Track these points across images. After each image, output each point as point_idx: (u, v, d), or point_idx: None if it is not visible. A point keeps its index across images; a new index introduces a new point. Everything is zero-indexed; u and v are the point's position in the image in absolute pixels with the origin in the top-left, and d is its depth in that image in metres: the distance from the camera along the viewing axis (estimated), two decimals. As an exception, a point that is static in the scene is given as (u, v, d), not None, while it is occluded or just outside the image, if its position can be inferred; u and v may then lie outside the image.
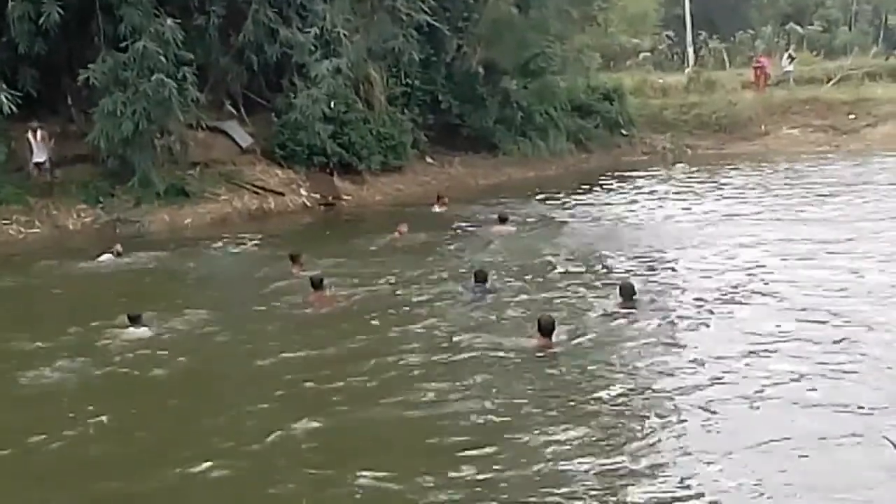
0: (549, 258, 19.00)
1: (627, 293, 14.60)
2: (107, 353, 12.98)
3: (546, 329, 12.39)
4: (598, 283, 16.54)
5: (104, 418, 10.61)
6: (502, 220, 22.89)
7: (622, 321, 13.79)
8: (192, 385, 12.18)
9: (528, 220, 24.20)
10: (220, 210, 25.95)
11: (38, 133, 24.75)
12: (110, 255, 19.90)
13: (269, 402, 11.11)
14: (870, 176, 29.75)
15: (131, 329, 13.73)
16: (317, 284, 15.74)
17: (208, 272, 19.32)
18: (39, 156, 24.74)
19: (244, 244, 21.83)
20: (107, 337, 13.65)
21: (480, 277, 16.03)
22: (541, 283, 16.76)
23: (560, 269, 17.88)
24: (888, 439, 5.14)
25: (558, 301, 15.24)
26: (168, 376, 12.23)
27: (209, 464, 9.28)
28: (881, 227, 20.48)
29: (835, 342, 12.33)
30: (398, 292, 16.35)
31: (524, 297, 15.61)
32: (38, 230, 23.63)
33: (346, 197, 28.65)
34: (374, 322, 14.38)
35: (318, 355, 12.79)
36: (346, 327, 14.19)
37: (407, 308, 15.26)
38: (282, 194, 27.50)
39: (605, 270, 17.79)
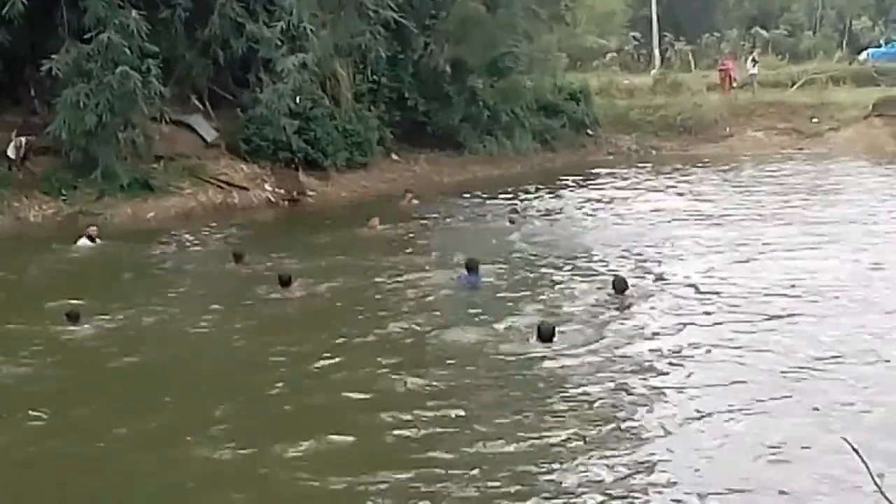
0: (524, 251, 19.34)
1: (620, 287, 14.89)
2: (44, 352, 12.82)
3: (546, 336, 12.32)
4: (583, 277, 16.81)
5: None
6: (511, 220, 23.10)
7: (618, 317, 14.05)
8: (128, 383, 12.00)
9: (489, 215, 24.62)
10: (184, 204, 25.82)
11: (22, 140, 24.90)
12: (86, 240, 20.24)
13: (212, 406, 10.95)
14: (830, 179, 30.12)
15: (70, 327, 13.56)
16: (285, 282, 15.70)
17: (166, 265, 19.29)
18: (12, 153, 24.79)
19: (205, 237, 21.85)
20: (45, 335, 13.46)
21: (472, 266, 16.18)
22: (524, 275, 17.14)
23: (543, 263, 18.21)
24: (847, 441, 5.23)
25: (552, 294, 15.61)
26: (102, 374, 12.19)
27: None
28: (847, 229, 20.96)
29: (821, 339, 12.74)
30: (378, 289, 16.35)
31: (513, 291, 15.84)
32: (-2, 222, 23.42)
33: (310, 193, 28.57)
34: (356, 318, 14.39)
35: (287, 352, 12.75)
36: (309, 325, 14.28)
37: (392, 306, 15.18)
38: (246, 189, 27.41)
39: (587, 265, 18.02)
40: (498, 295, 15.65)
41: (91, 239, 20.40)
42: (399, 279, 16.90)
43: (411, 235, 21.87)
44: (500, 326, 13.51)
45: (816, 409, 10.20)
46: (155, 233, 22.54)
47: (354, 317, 14.63)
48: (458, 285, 16.07)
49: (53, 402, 10.99)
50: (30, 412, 10.58)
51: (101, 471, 9.33)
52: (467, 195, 28.01)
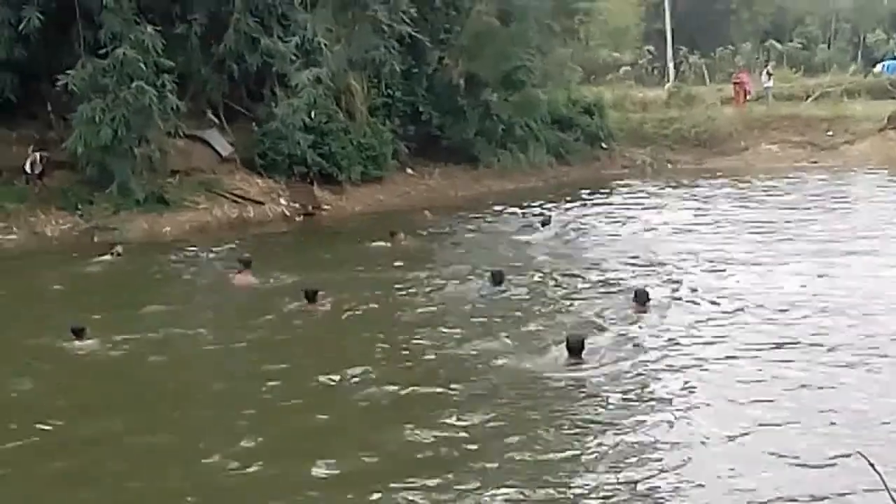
0: (545, 263, 19.46)
1: (642, 299, 14.95)
2: (50, 368, 12.84)
3: (575, 349, 12.15)
4: (606, 289, 16.91)
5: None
6: (544, 224, 23.32)
7: (640, 329, 14.03)
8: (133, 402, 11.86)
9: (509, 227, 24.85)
10: (200, 218, 25.86)
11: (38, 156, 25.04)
12: (109, 256, 20.62)
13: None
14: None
15: (76, 342, 13.49)
16: (310, 297, 15.61)
17: (181, 279, 19.36)
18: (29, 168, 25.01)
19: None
20: (52, 350, 13.46)
21: (497, 279, 16.38)
22: (546, 286, 17.21)
23: (565, 274, 18.27)
24: (863, 455, 5.19)
25: (575, 304, 15.68)
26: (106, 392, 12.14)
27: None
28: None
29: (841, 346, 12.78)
30: (403, 301, 16.35)
31: (537, 302, 15.91)
32: (15, 236, 23.47)
33: (325, 207, 28.61)
34: (378, 334, 14.27)
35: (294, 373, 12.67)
36: (324, 340, 14.25)
37: (418, 319, 15.15)
38: (261, 203, 27.45)
39: (608, 276, 18.08)
40: (523, 306, 15.65)
41: (116, 255, 20.76)
42: (424, 292, 16.94)
43: (434, 248, 22.05)
44: (528, 339, 13.45)
45: (833, 423, 10.15)
46: (170, 247, 22.57)
47: (381, 330, 14.55)
48: (484, 296, 16.14)
49: (61, 416, 10.98)
50: (36, 426, 10.55)
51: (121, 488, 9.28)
52: (486, 208, 28.12)
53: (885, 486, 5.32)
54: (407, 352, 13.32)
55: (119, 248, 21.03)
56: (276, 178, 28.36)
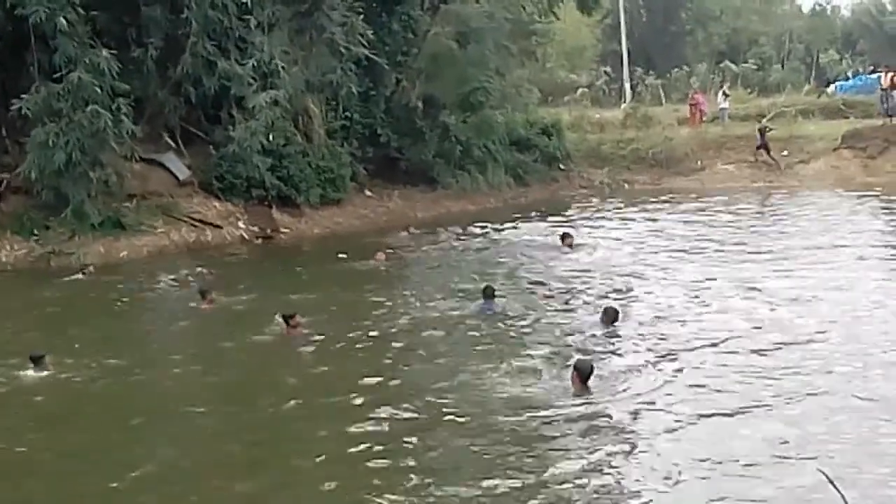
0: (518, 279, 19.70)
1: (611, 317, 15.03)
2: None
3: (584, 374, 11.80)
4: (578, 306, 17.09)
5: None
6: (564, 238, 23.60)
7: (611, 347, 14.06)
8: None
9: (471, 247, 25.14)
10: (157, 242, 25.70)
11: None
12: (81, 276, 21.31)
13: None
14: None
15: (31, 372, 13.28)
16: (287, 320, 15.38)
17: (139, 305, 19.20)
18: None
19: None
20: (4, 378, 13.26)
21: (489, 294, 16.50)
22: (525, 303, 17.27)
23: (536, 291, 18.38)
24: (823, 473, 5.20)
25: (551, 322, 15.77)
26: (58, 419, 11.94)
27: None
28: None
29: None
30: (385, 322, 16.27)
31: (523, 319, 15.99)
32: (-31, 262, 23.23)
33: (284, 230, 28.54)
34: (364, 360, 14.01)
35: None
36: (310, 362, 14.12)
37: (409, 342, 14.96)
38: (220, 227, 27.34)
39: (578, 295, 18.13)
40: (513, 325, 15.65)
41: (86, 275, 21.57)
42: (407, 313, 16.86)
43: (408, 268, 22.14)
44: (527, 362, 13.19)
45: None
46: (128, 271, 22.43)
47: (369, 354, 14.33)
48: (476, 313, 16.17)
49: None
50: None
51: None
52: (459, 227, 28.30)
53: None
54: (399, 380, 12.98)
55: (91, 268, 21.70)
56: (234, 202, 28.26)
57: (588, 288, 18.70)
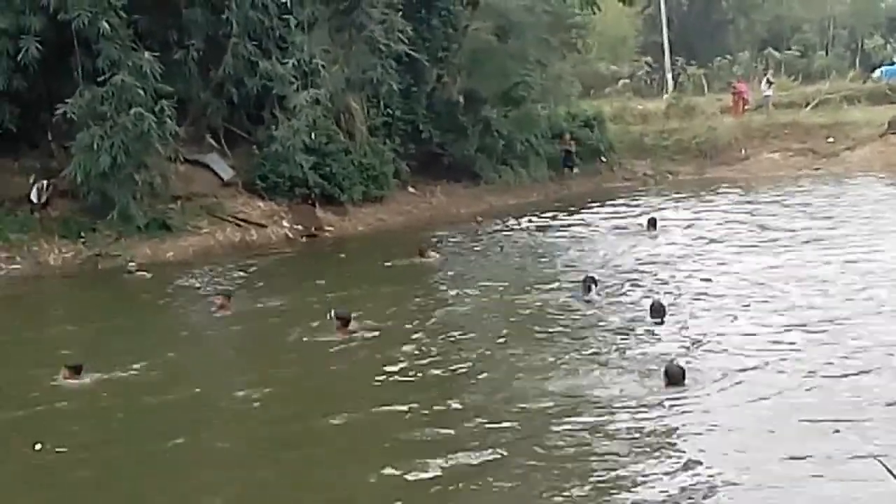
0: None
1: (658, 312, 14.83)
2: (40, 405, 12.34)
3: (675, 378, 11.46)
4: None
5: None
6: (650, 224, 23.83)
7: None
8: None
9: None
10: (203, 243, 25.82)
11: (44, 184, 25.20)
12: (130, 275, 22.24)
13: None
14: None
15: (70, 380, 12.92)
16: (343, 322, 14.88)
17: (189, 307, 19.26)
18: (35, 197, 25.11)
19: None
20: (45, 386, 12.95)
21: (589, 283, 16.49)
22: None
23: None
24: (882, 462, 5.07)
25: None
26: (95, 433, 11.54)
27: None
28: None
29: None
30: (454, 321, 15.93)
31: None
32: (19, 266, 23.43)
33: (328, 228, 28.59)
34: (434, 363, 13.48)
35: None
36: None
37: (479, 342, 14.56)
38: (264, 226, 27.43)
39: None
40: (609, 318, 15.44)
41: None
42: (469, 310, 16.73)
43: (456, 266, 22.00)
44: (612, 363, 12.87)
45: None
46: (174, 272, 22.55)
47: (437, 357, 13.73)
48: (575, 301, 16.22)
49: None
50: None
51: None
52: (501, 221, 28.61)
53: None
54: (474, 381, 12.54)
55: (138, 269, 22.21)
56: (277, 201, 28.35)
57: (687, 277, 18.55)
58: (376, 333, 15.00)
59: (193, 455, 10.74)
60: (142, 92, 23.57)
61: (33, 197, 24.97)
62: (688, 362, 12.13)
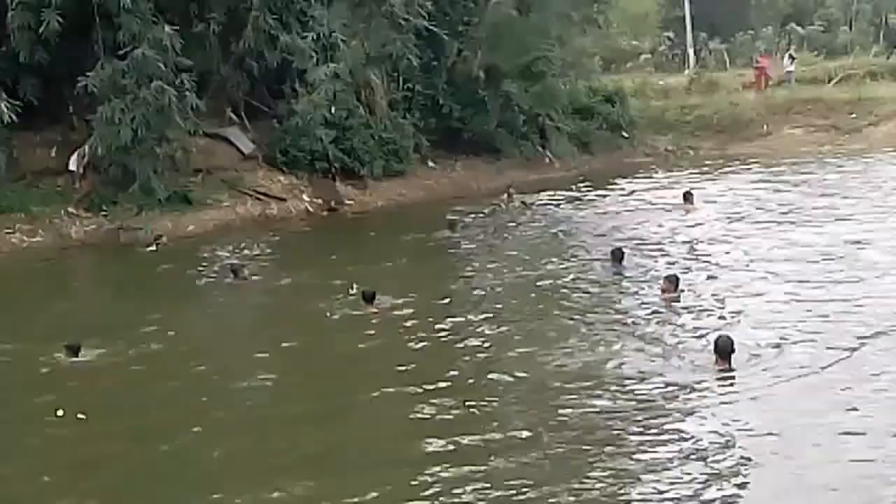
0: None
1: (673, 283, 14.84)
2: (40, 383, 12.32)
3: (724, 352, 11.18)
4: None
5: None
6: (686, 197, 23.94)
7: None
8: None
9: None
10: (223, 216, 25.91)
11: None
12: (154, 248, 22.36)
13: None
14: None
15: (69, 359, 12.82)
16: (369, 299, 14.87)
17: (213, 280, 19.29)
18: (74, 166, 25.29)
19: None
20: (44, 365, 12.87)
21: (618, 256, 16.69)
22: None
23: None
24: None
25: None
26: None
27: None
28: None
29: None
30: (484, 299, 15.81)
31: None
32: (41, 239, 23.55)
33: (348, 202, 28.60)
34: (464, 340, 13.34)
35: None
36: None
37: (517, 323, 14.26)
38: (284, 200, 27.49)
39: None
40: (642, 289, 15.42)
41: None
42: (500, 286, 16.67)
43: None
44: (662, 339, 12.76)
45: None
46: (195, 245, 22.65)
47: (469, 335, 13.57)
48: (604, 274, 16.37)
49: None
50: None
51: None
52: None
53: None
54: (515, 358, 12.25)
55: (164, 239, 22.38)
56: (298, 175, 28.38)
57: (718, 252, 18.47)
58: (406, 310, 14.96)
59: (216, 427, 10.79)
60: (162, 65, 23.60)
61: (72, 165, 25.05)
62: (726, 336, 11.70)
